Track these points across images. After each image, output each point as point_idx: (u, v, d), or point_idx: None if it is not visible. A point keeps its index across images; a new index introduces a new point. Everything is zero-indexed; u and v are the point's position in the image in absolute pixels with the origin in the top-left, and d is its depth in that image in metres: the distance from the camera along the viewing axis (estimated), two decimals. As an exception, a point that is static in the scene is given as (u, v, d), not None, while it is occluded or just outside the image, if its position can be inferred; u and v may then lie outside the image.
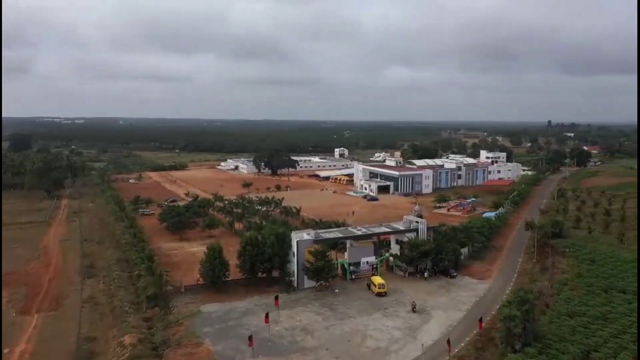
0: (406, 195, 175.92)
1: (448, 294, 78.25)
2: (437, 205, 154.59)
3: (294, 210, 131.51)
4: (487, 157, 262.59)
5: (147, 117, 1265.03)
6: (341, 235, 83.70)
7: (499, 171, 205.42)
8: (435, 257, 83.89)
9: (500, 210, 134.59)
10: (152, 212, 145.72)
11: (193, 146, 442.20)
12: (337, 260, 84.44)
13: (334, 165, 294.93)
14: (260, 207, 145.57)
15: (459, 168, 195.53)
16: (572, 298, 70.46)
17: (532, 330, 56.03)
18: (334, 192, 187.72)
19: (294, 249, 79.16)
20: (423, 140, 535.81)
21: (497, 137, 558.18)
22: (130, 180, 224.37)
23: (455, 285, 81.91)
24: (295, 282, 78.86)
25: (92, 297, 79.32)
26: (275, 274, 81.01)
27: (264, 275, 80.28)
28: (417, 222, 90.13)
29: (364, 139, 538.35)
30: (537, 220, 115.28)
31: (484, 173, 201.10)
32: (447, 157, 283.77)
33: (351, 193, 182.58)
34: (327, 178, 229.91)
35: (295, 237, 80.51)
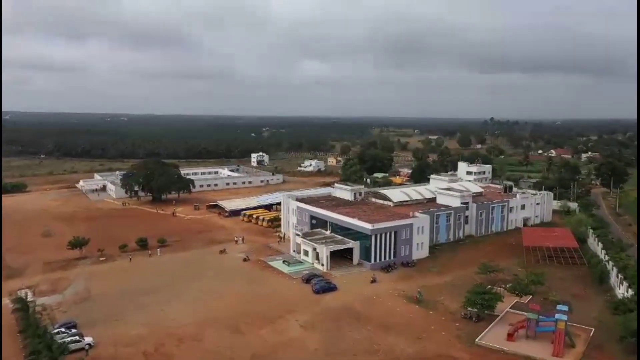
0: (386, 269, 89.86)
1: None
2: (468, 314, 69.70)
3: None
4: (469, 172, 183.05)
5: (46, 111, 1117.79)
6: None
7: (523, 207, 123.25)
8: None
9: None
10: None
11: (65, 150, 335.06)
12: None
13: (250, 182, 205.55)
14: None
15: (466, 205, 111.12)
16: None
17: None
18: (246, 259, 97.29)
19: None
20: (355, 140, 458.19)
21: (441, 137, 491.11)
22: None
23: None
24: None
25: None
26: None
27: None
28: None
29: (286, 138, 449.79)
30: None
31: (502, 211, 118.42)
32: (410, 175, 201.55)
33: (278, 265, 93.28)
34: (236, 213, 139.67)
35: None
